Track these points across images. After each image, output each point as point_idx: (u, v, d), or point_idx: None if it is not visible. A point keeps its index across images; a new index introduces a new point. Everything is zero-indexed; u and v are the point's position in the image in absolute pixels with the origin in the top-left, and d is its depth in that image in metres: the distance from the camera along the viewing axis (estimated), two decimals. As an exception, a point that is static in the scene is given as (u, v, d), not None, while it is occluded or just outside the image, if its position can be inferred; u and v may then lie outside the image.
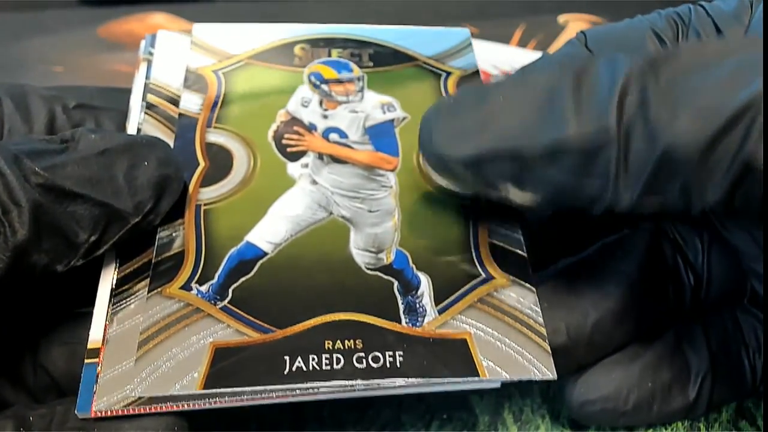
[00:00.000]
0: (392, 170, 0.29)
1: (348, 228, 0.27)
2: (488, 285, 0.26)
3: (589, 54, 0.29)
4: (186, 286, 0.25)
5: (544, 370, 0.24)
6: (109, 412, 0.22)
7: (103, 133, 0.24)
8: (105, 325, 0.24)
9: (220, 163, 0.28)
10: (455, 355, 0.24)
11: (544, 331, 0.25)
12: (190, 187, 0.27)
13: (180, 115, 0.30)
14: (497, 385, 0.24)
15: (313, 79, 0.32)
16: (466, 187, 0.26)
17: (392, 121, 0.31)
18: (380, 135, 0.30)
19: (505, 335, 0.24)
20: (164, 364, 0.23)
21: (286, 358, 0.23)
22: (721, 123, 0.19)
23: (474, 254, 0.27)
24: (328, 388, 0.23)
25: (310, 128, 0.30)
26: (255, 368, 0.23)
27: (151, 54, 0.32)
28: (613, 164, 0.21)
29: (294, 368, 0.23)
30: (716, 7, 0.29)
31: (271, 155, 0.29)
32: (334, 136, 0.30)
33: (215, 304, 0.24)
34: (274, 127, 0.30)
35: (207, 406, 0.22)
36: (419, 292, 0.25)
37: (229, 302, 0.24)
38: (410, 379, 0.23)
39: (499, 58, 0.47)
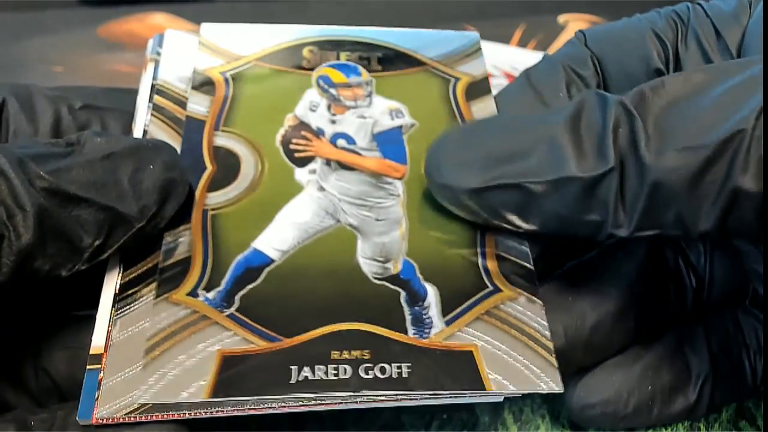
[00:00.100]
0: (400, 178, 0.29)
1: (355, 236, 0.27)
2: (495, 297, 0.26)
3: (587, 51, 0.29)
4: (193, 293, 0.25)
5: (551, 384, 0.24)
6: (110, 420, 0.22)
7: (108, 136, 0.24)
8: (108, 331, 0.24)
9: (227, 167, 0.28)
10: (462, 367, 0.24)
11: (551, 344, 0.25)
12: (197, 192, 0.27)
13: (187, 117, 0.30)
14: (500, 399, 0.24)
15: (321, 82, 0.32)
16: (471, 215, 0.26)
17: (400, 127, 0.30)
18: (388, 142, 0.30)
19: (512, 348, 0.24)
20: (171, 371, 0.23)
21: (293, 367, 0.23)
22: (705, 156, 0.20)
23: (481, 266, 0.26)
24: (333, 400, 0.23)
25: (318, 133, 0.30)
26: (262, 377, 0.23)
27: (158, 54, 0.32)
28: (612, 197, 0.22)
29: (301, 378, 0.23)
30: (715, 7, 0.29)
31: (278, 160, 0.29)
32: (341, 142, 0.30)
33: (222, 312, 0.24)
34: (282, 131, 0.30)
35: (209, 415, 0.22)
36: (426, 303, 0.25)
37: (236, 310, 0.24)
38: (417, 392, 0.23)
39: (499, 58, 0.47)
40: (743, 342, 0.29)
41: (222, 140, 0.29)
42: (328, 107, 0.31)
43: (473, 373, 0.24)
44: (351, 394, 0.23)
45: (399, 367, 0.23)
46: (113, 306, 0.24)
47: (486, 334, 0.25)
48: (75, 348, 0.25)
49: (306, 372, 0.23)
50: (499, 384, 0.23)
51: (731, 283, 0.30)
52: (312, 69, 0.32)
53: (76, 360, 0.25)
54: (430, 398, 0.23)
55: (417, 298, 0.25)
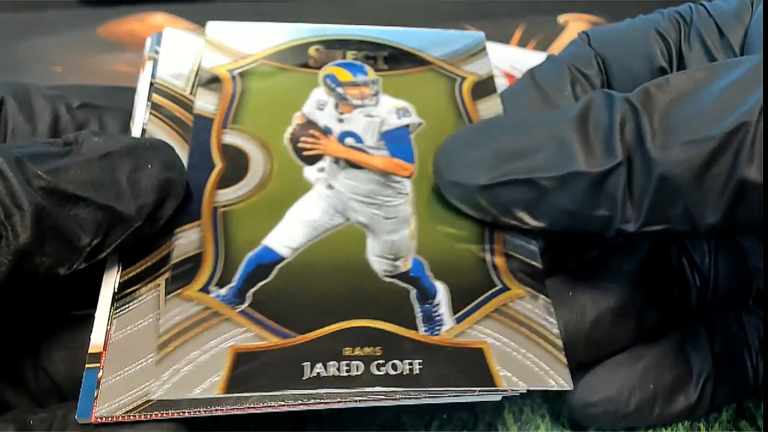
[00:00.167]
0: (408, 177, 0.29)
1: (365, 234, 0.27)
2: (504, 295, 0.26)
3: (591, 51, 0.30)
4: (205, 289, 0.25)
5: (561, 381, 0.24)
6: (109, 418, 0.22)
7: (106, 136, 0.24)
8: (107, 330, 0.24)
9: (236, 164, 0.28)
10: (472, 364, 0.24)
11: (560, 342, 0.25)
12: (207, 188, 0.27)
13: (195, 115, 0.30)
14: (498, 397, 0.24)
15: (328, 81, 0.32)
16: (481, 213, 0.27)
17: (407, 126, 0.31)
18: (396, 141, 0.30)
19: (522, 345, 0.25)
20: (184, 367, 0.23)
21: (306, 363, 0.23)
22: (710, 148, 0.21)
23: (490, 264, 0.27)
24: (333, 399, 0.23)
25: (326, 132, 0.30)
26: (275, 373, 0.23)
27: (156, 53, 0.32)
28: (619, 191, 0.22)
29: (313, 374, 0.23)
30: (717, 7, 0.29)
31: (287, 158, 0.29)
32: (349, 141, 0.30)
33: (234, 308, 0.24)
34: (290, 129, 0.30)
35: (209, 414, 0.22)
36: (436, 301, 0.25)
37: (248, 306, 0.24)
38: (428, 389, 0.23)
39: (499, 58, 0.47)
40: (745, 342, 0.29)
41: (231, 138, 0.29)
42: (336, 106, 0.31)
43: (483, 370, 0.24)
44: (365, 389, 0.23)
45: (410, 364, 0.24)
46: (112, 305, 0.24)
47: (495, 332, 0.25)
48: (74, 347, 0.25)
49: (318, 368, 0.23)
50: (509, 381, 0.24)
51: (735, 282, 0.30)
52: (318, 68, 0.32)
53: (75, 359, 0.25)
54: (430, 397, 0.24)
55: (427, 296, 0.26)
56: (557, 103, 0.29)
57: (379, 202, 0.28)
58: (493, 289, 0.26)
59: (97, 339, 0.23)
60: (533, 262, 0.27)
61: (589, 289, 0.28)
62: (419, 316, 0.25)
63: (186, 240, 0.26)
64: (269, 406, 0.23)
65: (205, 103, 0.30)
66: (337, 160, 0.29)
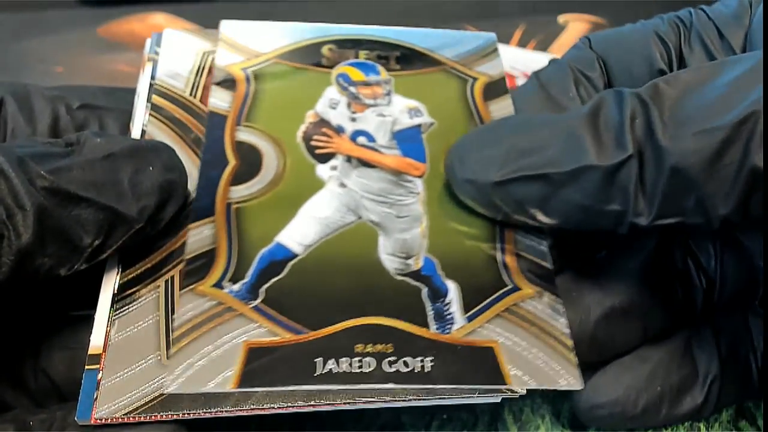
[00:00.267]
0: (420, 176, 0.29)
1: (377, 232, 0.27)
2: (515, 295, 0.26)
3: (593, 54, 0.30)
4: (218, 284, 0.25)
5: (571, 380, 0.24)
6: (109, 419, 0.22)
7: (108, 137, 0.24)
8: (106, 331, 0.24)
9: (249, 161, 0.29)
10: (483, 363, 0.24)
11: (570, 343, 0.25)
12: (221, 185, 0.28)
13: (210, 112, 0.30)
14: (498, 399, 0.24)
15: (341, 80, 0.32)
16: (493, 211, 0.27)
17: (419, 126, 0.31)
18: (407, 140, 0.30)
19: (532, 345, 0.25)
20: (198, 362, 0.23)
21: (318, 359, 0.23)
22: (720, 138, 0.21)
23: (501, 264, 0.27)
24: (333, 399, 0.23)
25: (339, 130, 0.30)
26: (287, 369, 0.23)
27: (156, 54, 0.32)
28: (631, 185, 0.23)
29: (325, 370, 0.23)
30: (717, 10, 0.29)
31: (300, 156, 0.29)
32: (362, 140, 0.30)
33: (247, 304, 0.25)
34: (303, 127, 0.30)
35: (209, 415, 0.22)
36: (447, 300, 0.26)
37: (261, 302, 0.25)
38: (440, 386, 0.23)
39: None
40: (751, 343, 0.29)
41: (244, 135, 0.29)
42: (348, 105, 0.31)
43: (494, 369, 0.24)
44: (377, 386, 0.23)
45: (422, 362, 0.24)
46: (112, 306, 0.24)
47: (506, 331, 0.25)
48: (74, 348, 0.25)
49: (330, 364, 0.23)
50: (519, 380, 0.24)
51: (740, 284, 0.30)
52: (331, 67, 0.33)
53: (75, 360, 0.25)
54: (429, 399, 0.24)
55: (438, 295, 0.26)
56: (563, 104, 0.29)
57: (391, 201, 0.28)
58: (504, 289, 0.26)
59: (96, 340, 0.23)
60: (543, 263, 0.27)
61: (593, 289, 0.28)
62: (430, 314, 0.25)
63: (199, 236, 0.26)
64: (270, 408, 0.23)
65: (219, 100, 0.30)
66: (349, 159, 0.29)
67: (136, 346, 0.23)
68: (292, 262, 0.26)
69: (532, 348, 0.25)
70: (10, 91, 0.28)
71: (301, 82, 0.32)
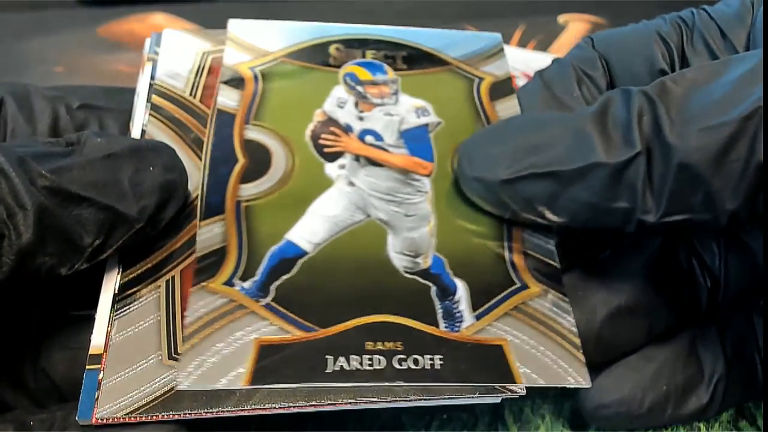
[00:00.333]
0: (427, 175, 0.29)
1: (385, 231, 0.27)
2: (523, 294, 0.26)
3: (596, 53, 0.30)
4: (229, 282, 0.25)
5: (579, 379, 0.24)
6: (110, 420, 0.22)
7: (108, 137, 0.24)
8: (107, 331, 0.24)
9: (258, 160, 0.29)
10: (492, 361, 0.24)
11: (578, 341, 0.25)
12: (230, 183, 0.28)
13: (218, 110, 0.30)
14: (498, 400, 0.24)
15: (348, 80, 0.32)
16: (501, 209, 0.27)
17: (426, 125, 0.31)
18: (415, 139, 0.30)
19: (540, 343, 0.25)
20: (210, 359, 0.23)
21: (329, 357, 0.24)
22: (727, 133, 0.21)
23: (509, 263, 0.27)
24: (333, 400, 0.23)
25: (347, 129, 0.30)
26: (299, 366, 0.23)
27: (156, 54, 0.32)
28: (639, 182, 0.23)
29: (336, 367, 0.23)
30: (718, 10, 0.29)
31: (308, 155, 0.29)
32: (369, 139, 0.30)
33: (258, 301, 0.25)
34: (311, 126, 0.30)
35: (209, 415, 0.22)
36: (456, 298, 0.26)
37: (271, 300, 0.25)
38: (449, 384, 0.24)
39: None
40: (756, 343, 0.29)
41: (253, 134, 0.29)
42: (356, 104, 0.31)
43: (503, 367, 0.24)
44: (385, 385, 0.23)
45: (431, 359, 0.24)
46: (112, 306, 0.24)
47: (515, 329, 0.25)
48: (74, 348, 0.25)
49: (341, 362, 0.24)
50: (528, 377, 0.24)
51: (745, 284, 0.30)
52: (338, 66, 0.33)
53: (75, 361, 0.25)
54: (428, 399, 0.24)
55: (447, 293, 0.26)
56: (567, 103, 0.30)
57: (399, 200, 0.28)
58: (512, 287, 0.26)
59: (97, 340, 0.23)
60: (551, 261, 0.27)
61: (599, 289, 0.28)
62: (439, 312, 0.25)
63: (210, 234, 0.26)
64: (271, 408, 0.23)
65: (228, 99, 0.30)
66: (357, 158, 0.29)
67: (137, 346, 0.23)
68: (302, 260, 0.26)
69: (540, 346, 0.25)
70: (10, 91, 0.28)
71: (308, 81, 0.32)
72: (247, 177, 0.28)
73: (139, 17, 0.49)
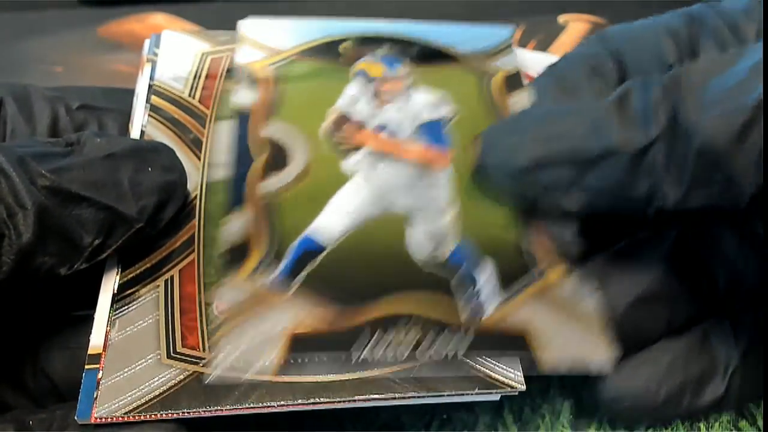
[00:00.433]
0: (444, 168, 0.30)
1: (404, 223, 0.28)
2: (543, 281, 0.27)
3: (605, 48, 0.31)
4: (252, 276, 0.25)
5: (601, 363, 0.25)
6: (109, 419, 0.22)
7: (108, 137, 0.24)
8: (106, 331, 0.24)
9: (276, 157, 0.29)
10: (516, 349, 0.25)
11: (601, 323, 0.26)
12: (251, 179, 0.28)
13: (234, 110, 0.30)
14: (497, 397, 0.25)
15: (361, 76, 0.32)
16: (521, 199, 0.27)
17: (440, 120, 0.31)
18: (430, 133, 0.31)
19: (563, 330, 0.25)
20: (237, 350, 0.23)
21: (354, 347, 0.24)
22: (744, 118, 0.21)
23: (528, 250, 0.27)
24: (333, 399, 0.23)
25: (362, 125, 0.31)
26: (325, 357, 0.24)
27: (155, 55, 0.32)
28: (658, 167, 0.23)
29: (362, 358, 0.24)
30: (728, 5, 0.30)
31: (324, 151, 0.30)
32: (384, 133, 0.30)
33: (281, 295, 0.25)
34: (326, 123, 0.30)
35: (208, 414, 0.22)
36: (476, 288, 0.26)
37: (294, 293, 0.25)
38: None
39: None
40: None
41: (269, 131, 0.30)
42: (370, 100, 0.31)
43: (527, 356, 0.25)
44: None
45: (455, 350, 0.24)
46: (111, 306, 0.24)
47: (536, 316, 0.26)
48: (73, 348, 0.25)
49: (366, 353, 0.24)
50: (552, 366, 0.24)
51: (759, 278, 0.30)
52: (350, 63, 0.33)
53: (75, 361, 0.25)
54: (427, 397, 0.24)
55: (468, 282, 0.26)
56: (579, 96, 0.30)
57: (416, 193, 0.29)
58: (533, 273, 0.27)
59: (96, 340, 0.24)
60: (570, 248, 0.28)
61: (620, 279, 0.28)
62: (461, 302, 0.26)
63: (233, 229, 0.27)
64: (269, 407, 0.23)
65: (244, 97, 0.31)
66: (373, 152, 0.30)
67: (135, 346, 0.23)
68: (323, 254, 0.26)
69: (564, 333, 0.25)
70: (10, 91, 0.28)
71: (322, 78, 0.32)
72: (267, 173, 0.28)
73: (139, 17, 0.49)
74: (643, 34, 0.30)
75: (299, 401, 0.23)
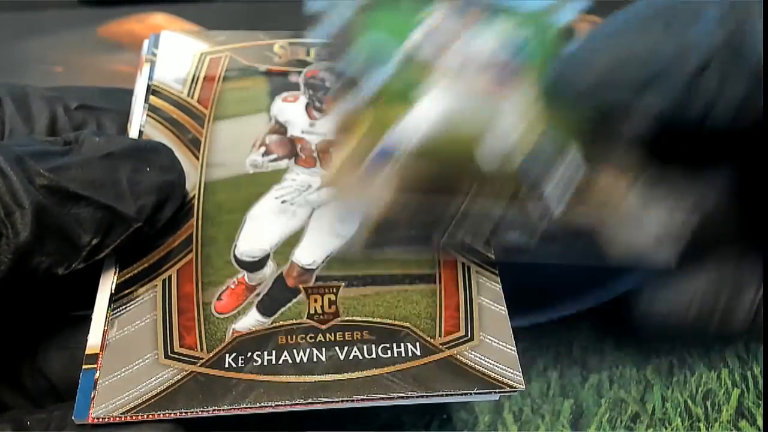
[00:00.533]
0: (517, 90, 0.29)
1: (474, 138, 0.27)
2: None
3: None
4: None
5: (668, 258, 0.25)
6: (107, 419, 0.22)
7: (107, 136, 0.24)
8: (104, 331, 0.24)
9: None
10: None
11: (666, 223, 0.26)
12: None
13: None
14: (496, 397, 0.24)
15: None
16: (589, 112, 0.26)
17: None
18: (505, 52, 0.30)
19: (632, 224, 0.25)
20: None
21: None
22: None
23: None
24: (332, 398, 0.23)
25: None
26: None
27: (154, 55, 0.32)
28: (714, 82, 0.23)
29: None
30: None
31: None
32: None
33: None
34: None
35: (206, 414, 0.22)
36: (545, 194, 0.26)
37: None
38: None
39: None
40: None
41: None
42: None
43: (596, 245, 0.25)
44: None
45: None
46: (109, 306, 0.24)
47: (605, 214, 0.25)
48: (71, 348, 0.25)
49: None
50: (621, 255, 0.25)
51: (762, 277, 0.30)
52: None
53: (73, 360, 0.25)
54: (427, 396, 0.24)
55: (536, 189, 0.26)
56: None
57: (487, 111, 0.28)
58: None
59: (94, 340, 0.23)
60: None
61: (685, 191, 0.28)
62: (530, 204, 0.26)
63: None
64: (268, 407, 0.23)
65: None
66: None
67: (133, 346, 0.23)
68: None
69: (633, 227, 0.25)
70: (8, 91, 0.28)
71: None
72: None
73: (139, 17, 0.49)
74: None
75: (298, 401, 0.23)
